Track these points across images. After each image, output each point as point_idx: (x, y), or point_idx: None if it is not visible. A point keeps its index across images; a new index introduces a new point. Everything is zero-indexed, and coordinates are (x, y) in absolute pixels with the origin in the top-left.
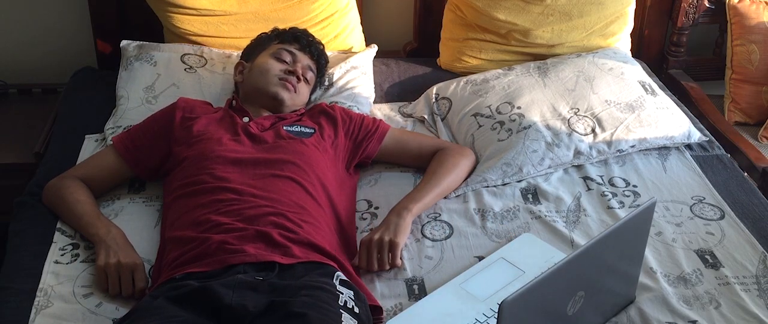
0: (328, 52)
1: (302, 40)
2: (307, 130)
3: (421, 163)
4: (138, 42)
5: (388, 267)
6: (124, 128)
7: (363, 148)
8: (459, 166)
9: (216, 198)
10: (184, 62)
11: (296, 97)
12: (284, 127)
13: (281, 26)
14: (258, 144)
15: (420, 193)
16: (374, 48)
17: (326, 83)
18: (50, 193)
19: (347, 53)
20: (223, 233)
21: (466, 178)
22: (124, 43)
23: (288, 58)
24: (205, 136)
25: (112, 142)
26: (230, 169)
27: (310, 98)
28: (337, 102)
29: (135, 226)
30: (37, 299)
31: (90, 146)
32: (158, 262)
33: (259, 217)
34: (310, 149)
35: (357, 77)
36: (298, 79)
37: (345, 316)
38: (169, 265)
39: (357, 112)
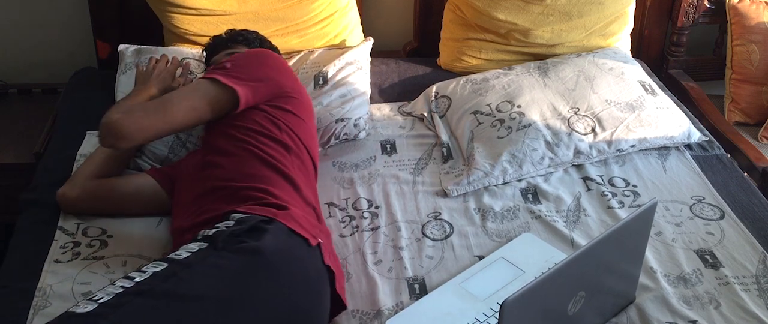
0: (323, 48)
1: None
2: None
3: None
4: (135, 46)
5: None
6: None
7: None
8: None
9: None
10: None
11: None
12: None
13: (281, 26)
14: None
15: None
16: (370, 41)
17: (321, 81)
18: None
19: (342, 48)
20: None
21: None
22: (121, 47)
23: None
24: None
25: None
26: None
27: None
28: (331, 99)
29: (137, 227)
30: (35, 299)
31: (92, 141)
32: None
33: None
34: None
35: (353, 73)
36: None
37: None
38: None
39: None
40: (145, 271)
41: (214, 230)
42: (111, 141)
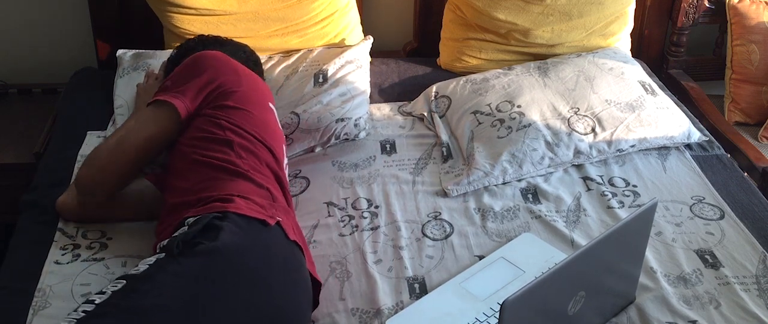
0: (323, 47)
1: None
2: None
3: None
4: (134, 50)
5: None
6: None
7: None
8: None
9: None
10: None
11: None
12: None
13: (281, 25)
14: None
15: None
16: (369, 40)
17: (321, 79)
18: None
19: (342, 47)
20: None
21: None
22: (120, 52)
23: None
24: None
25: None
26: None
27: None
28: (331, 98)
29: (136, 228)
30: (34, 300)
31: (92, 142)
32: None
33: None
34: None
35: (352, 71)
36: None
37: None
38: None
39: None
40: (104, 292)
41: (170, 239)
42: (87, 196)
